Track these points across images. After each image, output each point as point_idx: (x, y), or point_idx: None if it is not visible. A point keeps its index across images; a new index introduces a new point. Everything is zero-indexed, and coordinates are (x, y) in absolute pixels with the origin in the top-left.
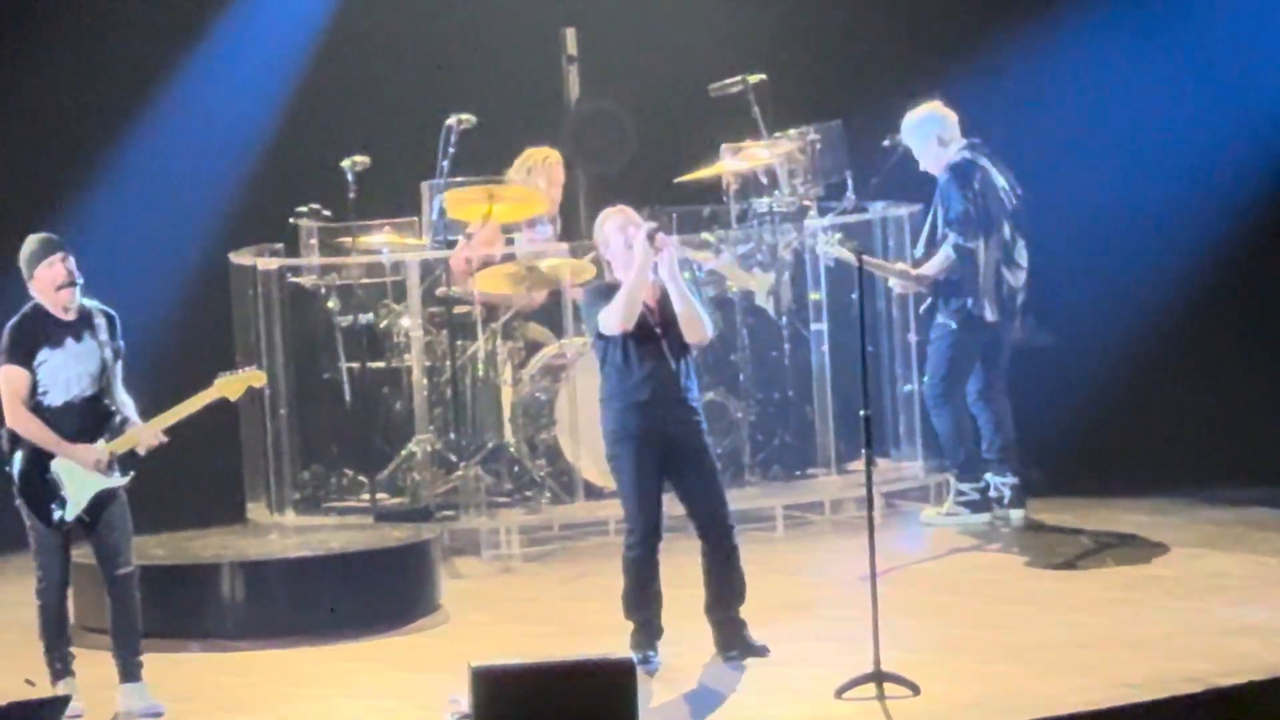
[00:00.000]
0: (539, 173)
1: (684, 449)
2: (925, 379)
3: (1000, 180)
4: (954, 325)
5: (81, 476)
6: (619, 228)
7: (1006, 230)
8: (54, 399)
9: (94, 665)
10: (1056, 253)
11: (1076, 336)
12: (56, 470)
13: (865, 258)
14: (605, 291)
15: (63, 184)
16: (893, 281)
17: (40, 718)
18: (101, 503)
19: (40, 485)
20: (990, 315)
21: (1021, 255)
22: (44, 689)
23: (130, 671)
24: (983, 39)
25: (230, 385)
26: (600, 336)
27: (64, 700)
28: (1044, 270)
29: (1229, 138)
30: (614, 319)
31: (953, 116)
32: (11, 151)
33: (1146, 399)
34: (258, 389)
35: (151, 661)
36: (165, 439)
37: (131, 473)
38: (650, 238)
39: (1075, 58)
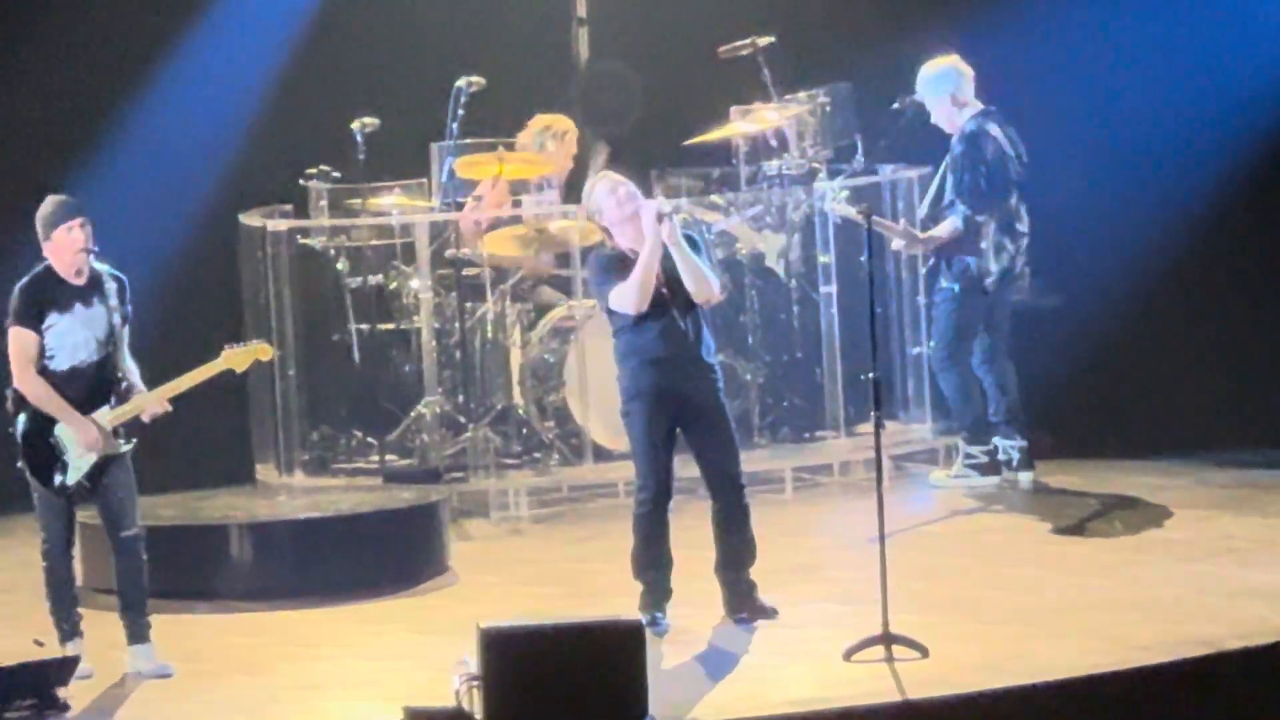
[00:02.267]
0: (550, 139)
1: (699, 406)
2: (931, 343)
3: (1009, 149)
4: (957, 288)
5: None
6: (609, 191)
7: (1013, 199)
8: (60, 363)
9: (103, 626)
10: (1064, 214)
11: (1084, 299)
12: (59, 435)
13: (874, 218)
14: (611, 264)
15: (72, 146)
16: (896, 243)
17: (49, 679)
18: (104, 468)
19: (43, 449)
20: (991, 284)
21: (1023, 223)
22: (53, 650)
23: (138, 633)
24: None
25: (237, 357)
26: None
27: (73, 661)
28: (1051, 232)
29: (1235, 102)
30: (629, 303)
31: (969, 73)
32: (20, 114)
33: (1155, 361)
34: (265, 362)
35: (160, 623)
36: (169, 407)
37: (134, 440)
38: (658, 218)
39: (1086, 15)
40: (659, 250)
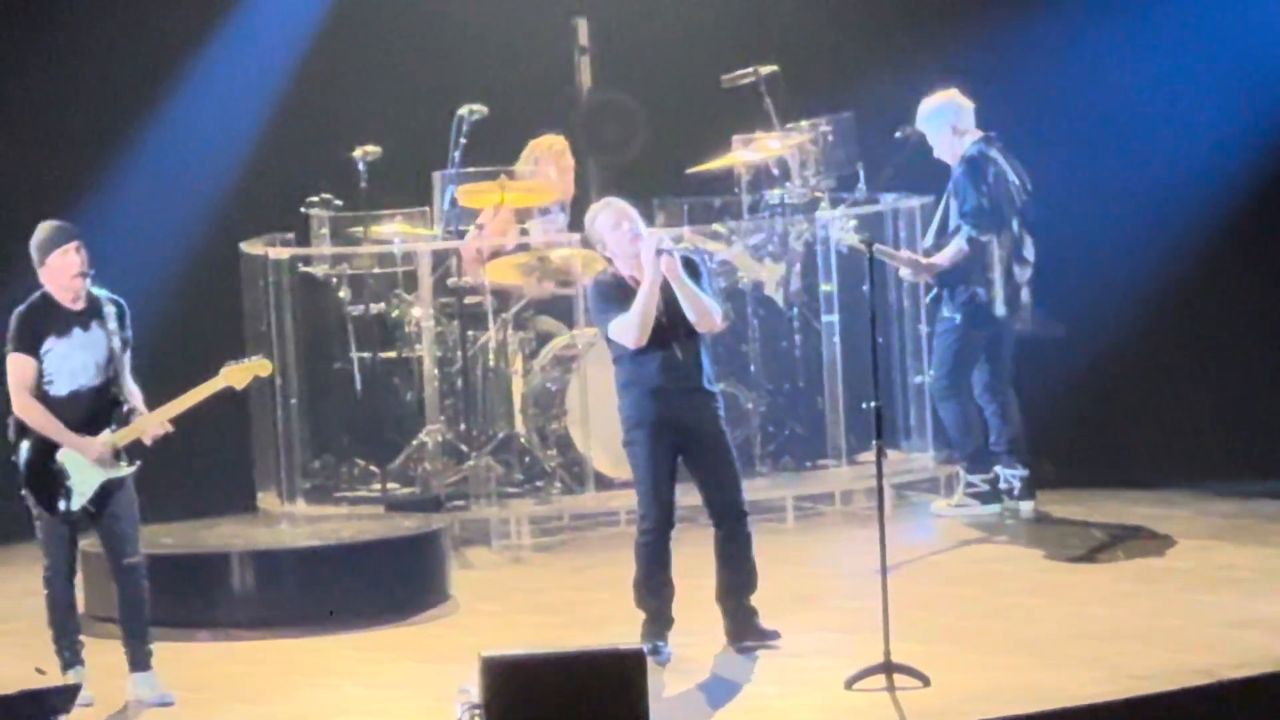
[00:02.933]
0: (547, 162)
1: (700, 434)
2: (930, 372)
3: (1012, 175)
4: (959, 318)
5: (87, 466)
6: (612, 225)
7: (1015, 226)
8: (60, 388)
9: (104, 654)
10: (1065, 244)
11: (1086, 328)
12: (62, 460)
13: (876, 246)
14: (612, 291)
15: (74, 172)
16: (903, 271)
17: (51, 706)
18: (108, 492)
19: (46, 475)
20: (999, 310)
21: (1028, 250)
22: (54, 678)
23: (140, 660)
24: (994, 28)
25: (237, 374)
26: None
27: (74, 689)
28: (1053, 262)
29: (1235, 133)
30: (629, 338)
31: (969, 105)
32: (23, 140)
33: (1156, 391)
34: (264, 378)
35: (161, 650)
36: (171, 429)
37: (138, 462)
38: (658, 253)
39: (1089, 47)
40: (658, 284)
